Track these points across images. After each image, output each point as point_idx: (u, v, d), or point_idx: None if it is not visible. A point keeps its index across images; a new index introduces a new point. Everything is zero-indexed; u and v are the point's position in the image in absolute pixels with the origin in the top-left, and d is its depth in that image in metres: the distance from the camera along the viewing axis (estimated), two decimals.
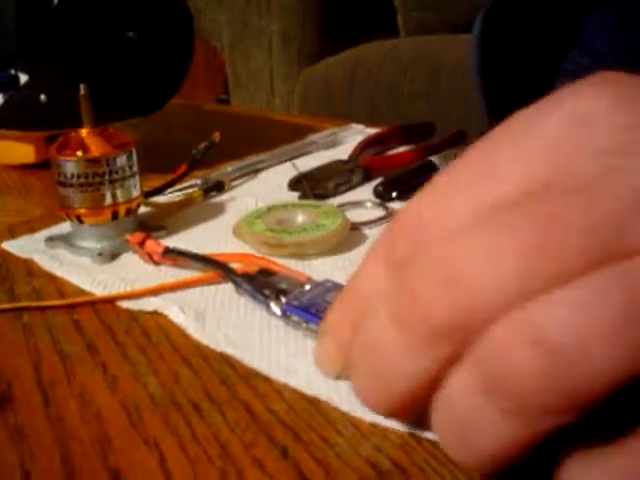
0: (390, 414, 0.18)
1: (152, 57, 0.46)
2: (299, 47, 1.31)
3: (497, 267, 0.14)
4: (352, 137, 0.54)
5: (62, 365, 0.24)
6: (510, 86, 0.55)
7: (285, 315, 0.25)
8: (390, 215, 0.37)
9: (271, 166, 0.48)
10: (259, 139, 0.57)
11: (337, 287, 0.26)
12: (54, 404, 0.22)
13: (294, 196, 0.40)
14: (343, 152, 0.48)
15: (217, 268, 0.29)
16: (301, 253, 0.32)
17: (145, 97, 0.47)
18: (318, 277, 0.28)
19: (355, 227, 0.35)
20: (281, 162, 0.49)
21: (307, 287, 0.26)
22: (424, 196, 0.18)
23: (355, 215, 0.37)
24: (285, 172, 0.45)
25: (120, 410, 0.21)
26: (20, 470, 0.19)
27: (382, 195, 0.39)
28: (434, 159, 0.43)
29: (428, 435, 0.19)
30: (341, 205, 0.38)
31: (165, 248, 0.31)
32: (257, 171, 0.47)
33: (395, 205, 0.38)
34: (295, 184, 0.40)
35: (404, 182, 0.40)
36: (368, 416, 0.20)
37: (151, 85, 0.47)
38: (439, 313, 0.14)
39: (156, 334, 0.26)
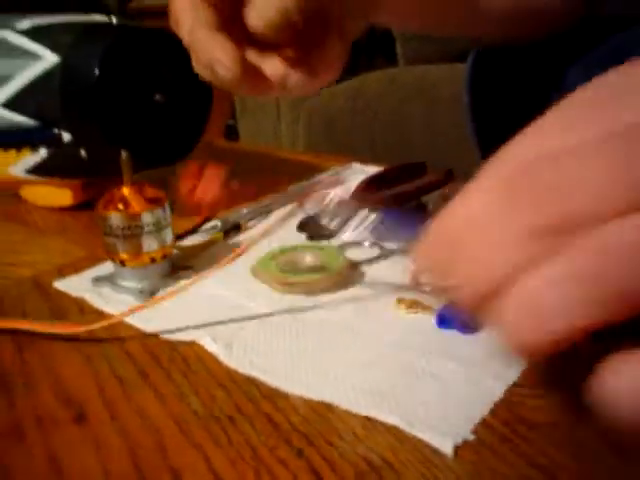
0: None
1: (176, 114, 0.52)
2: None
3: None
4: (354, 176, 0.60)
5: (120, 388, 0.30)
6: (501, 123, 0.60)
7: None
8: (385, 254, 0.43)
9: (282, 205, 0.54)
10: (269, 178, 0.63)
11: None
12: (119, 419, 0.28)
13: (302, 237, 0.47)
14: (346, 190, 0.54)
15: None
16: (309, 291, 0.38)
17: (172, 148, 0.53)
18: (323, 312, 0.34)
19: (354, 265, 0.41)
20: (291, 201, 0.55)
21: None
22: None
23: (355, 254, 0.43)
24: (294, 212, 0.51)
25: (171, 423, 0.27)
26: (101, 471, 0.25)
27: (379, 235, 0.45)
28: (425, 200, 0.50)
29: (410, 436, 0.26)
30: (343, 245, 0.44)
31: None
32: (269, 211, 0.53)
33: (390, 245, 0.45)
34: (302, 226, 0.47)
35: (402, 222, 0.47)
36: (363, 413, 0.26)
37: (176, 138, 0.53)
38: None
39: (194, 362, 0.32)
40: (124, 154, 0.39)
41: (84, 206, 0.55)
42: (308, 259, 0.40)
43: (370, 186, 0.54)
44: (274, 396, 0.29)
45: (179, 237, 0.45)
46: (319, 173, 0.62)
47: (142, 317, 0.36)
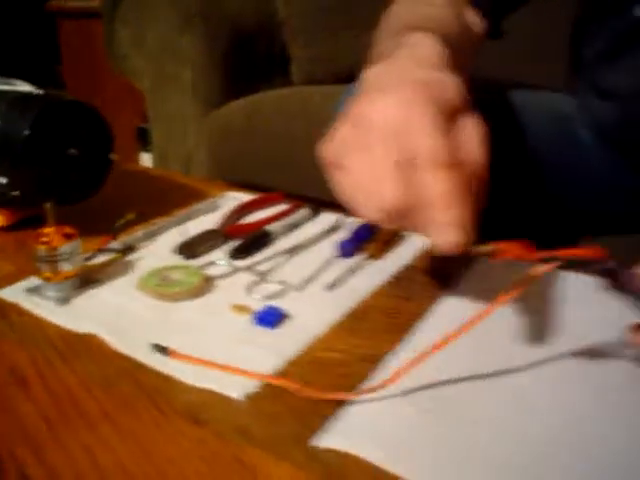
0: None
1: (85, 164, 0.70)
2: (206, 92, 1.55)
3: None
4: (229, 203, 0.79)
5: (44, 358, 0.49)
6: None
7: None
8: (235, 270, 0.62)
9: (170, 228, 0.73)
10: (165, 201, 0.81)
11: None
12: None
13: (178, 257, 0.65)
14: (217, 217, 0.73)
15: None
16: (177, 299, 0.57)
17: (82, 189, 0.71)
18: (185, 313, 0.53)
19: (210, 279, 0.61)
20: (177, 225, 0.74)
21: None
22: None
23: (212, 270, 0.63)
24: (177, 236, 0.70)
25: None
26: None
27: (232, 256, 0.65)
28: (269, 228, 0.69)
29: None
30: (205, 264, 0.63)
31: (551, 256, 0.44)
32: (158, 234, 0.71)
33: (241, 263, 0.64)
34: (179, 249, 0.65)
35: (247, 246, 0.66)
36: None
37: (87, 179, 0.71)
38: None
39: (95, 346, 0.51)
40: (47, 205, 0.57)
41: (14, 227, 0.73)
42: (175, 276, 0.59)
43: (233, 215, 0.74)
44: (141, 367, 0.48)
45: (87, 258, 0.63)
46: (202, 199, 0.80)
47: (62, 317, 0.54)
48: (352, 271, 0.62)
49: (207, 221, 0.74)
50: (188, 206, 0.78)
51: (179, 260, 0.64)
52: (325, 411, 0.42)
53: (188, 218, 0.75)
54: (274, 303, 0.56)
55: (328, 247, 0.67)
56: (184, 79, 1.55)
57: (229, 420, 0.42)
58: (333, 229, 0.71)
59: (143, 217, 0.74)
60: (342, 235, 0.68)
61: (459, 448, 0.39)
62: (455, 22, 0.69)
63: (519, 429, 0.41)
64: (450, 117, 0.46)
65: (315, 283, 0.60)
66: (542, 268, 0.42)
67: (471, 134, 0.47)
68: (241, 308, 0.55)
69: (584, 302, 0.55)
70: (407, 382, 0.44)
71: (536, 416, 0.42)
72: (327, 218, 0.74)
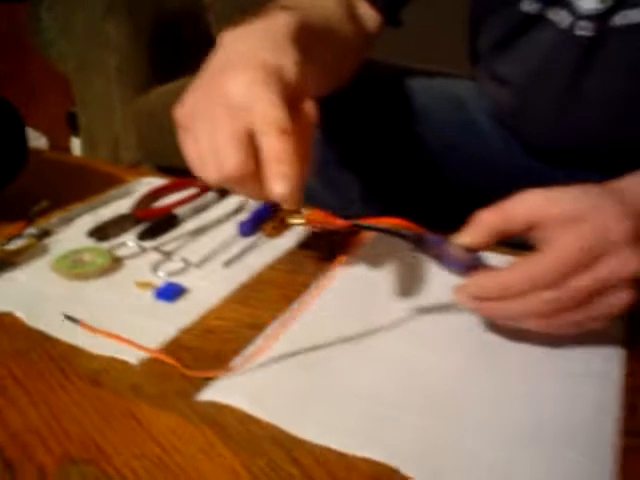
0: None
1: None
2: (132, 77, 1.59)
3: None
4: (143, 188, 0.85)
5: None
6: None
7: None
8: (144, 251, 0.68)
9: (85, 213, 0.78)
10: (82, 188, 0.86)
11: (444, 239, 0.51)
12: None
13: (91, 240, 0.71)
14: (130, 202, 0.78)
15: (401, 236, 0.51)
16: (87, 279, 0.63)
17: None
18: (95, 293, 0.59)
19: (119, 259, 0.67)
20: (91, 210, 0.79)
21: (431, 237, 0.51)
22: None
23: (122, 251, 0.68)
24: (91, 220, 0.75)
25: None
26: None
27: (141, 238, 0.71)
28: (176, 211, 0.75)
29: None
30: (116, 245, 0.69)
31: (353, 224, 0.52)
32: (73, 219, 0.77)
33: (149, 244, 0.70)
34: (92, 232, 0.71)
35: (155, 229, 0.72)
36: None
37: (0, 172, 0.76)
38: None
39: (11, 323, 0.56)
40: None
41: None
42: (86, 257, 0.65)
43: (145, 200, 0.79)
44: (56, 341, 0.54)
45: (3, 244, 0.68)
46: (118, 185, 0.85)
47: None
48: (249, 249, 0.68)
49: (121, 206, 0.79)
50: (104, 192, 0.83)
51: (92, 243, 0.70)
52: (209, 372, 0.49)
53: (103, 203, 0.80)
54: (175, 279, 0.62)
55: (230, 228, 0.73)
56: (110, 64, 1.59)
57: (125, 381, 0.49)
58: (237, 211, 0.77)
59: (59, 203, 0.79)
60: (244, 216, 0.75)
61: (322, 397, 0.46)
62: (338, 11, 0.75)
63: (372, 382, 0.48)
64: (287, 97, 0.52)
65: (214, 261, 0.66)
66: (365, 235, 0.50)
67: (305, 118, 0.54)
68: (145, 284, 0.61)
69: (420, 267, 0.64)
70: (284, 344, 0.51)
71: (387, 369, 0.50)
72: (232, 201, 0.80)
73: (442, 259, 0.51)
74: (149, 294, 0.60)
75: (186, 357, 0.51)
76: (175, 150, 1.37)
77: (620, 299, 0.48)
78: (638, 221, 0.48)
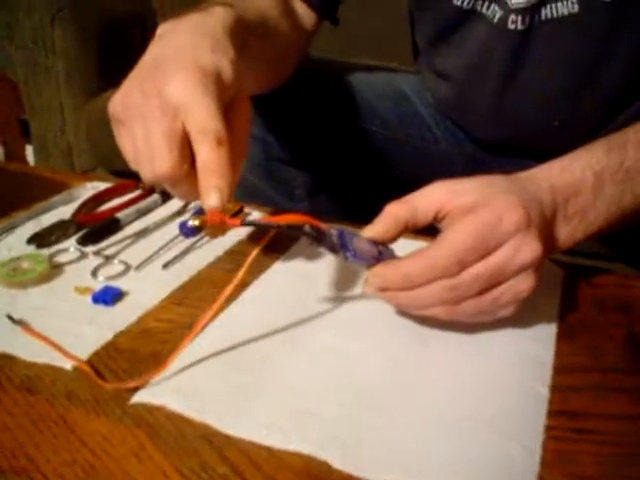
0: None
1: None
2: (81, 83, 1.58)
3: None
4: (88, 193, 0.84)
5: None
6: None
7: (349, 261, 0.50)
8: (84, 256, 0.68)
9: (26, 221, 0.77)
10: (26, 195, 0.86)
11: (353, 233, 0.52)
12: None
13: (31, 247, 0.70)
14: (72, 208, 0.78)
15: (293, 230, 0.51)
16: (26, 286, 0.62)
17: None
18: (33, 300, 0.59)
19: (60, 265, 0.66)
20: (33, 218, 0.78)
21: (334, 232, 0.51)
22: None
23: (63, 257, 0.68)
24: (34, 227, 0.74)
25: None
26: None
27: (81, 242, 0.70)
28: (118, 215, 0.75)
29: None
30: (56, 252, 0.69)
31: (243, 222, 0.52)
32: (16, 227, 0.76)
33: (90, 249, 0.69)
34: (31, 239, 0.70)
35: (96, 233, 0.72)
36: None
37: None
38: None
39: None
40: None
41: None
42: (25, 264, 0.64)
43: (88, 205, 0.79)
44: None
45: None
46: (62, 191, 0.85)
47: None
48: (190, 250, 0.68)
49: (64, 212, 0.79)
50: (47, 199, 0.82)
51: (32, 250, 0.69)
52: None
53: (46, 210, 0.80)
54: (114, 283, 0.62)
55: (173, 230, 0.73)
56: (58, 70, 1.57)
57: (59, 388, 0.48)
58: (180, 213, 0.77)
59: (2, 212, 0.78)
60: (187, 217, 0.75)
61: (252, 393, 0.47)
62: (274, 8, 0.75)
63: (303, 376, 0.49)
64: (223, 99, 0.53)
65: (154, 263, 0.66)
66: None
67: (240, 115, 0.55)
68: (84, 290, 0.61)
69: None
70: (214, 341, 0.52)
71: (317, 362, 0.50)
72: (176, 203, 0.80)
73: (344, 252, 0.51)
74: (88, 299, 0.59)
75: (121, 360, 0.51)
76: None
77: (523, 284, 0.49)
78: (533, 210, 0.50)
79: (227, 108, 0.53)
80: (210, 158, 0.49)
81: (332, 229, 0.53)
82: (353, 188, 1.02)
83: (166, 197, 0.80)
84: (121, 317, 0.56)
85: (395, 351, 0.52)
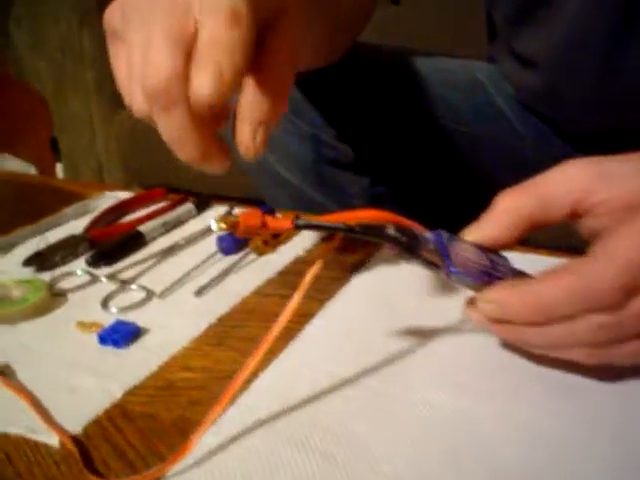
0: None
1: None
2: (112, 92, 1.44)
3: None
4: (105, 204, 0.69)
5: None
6: None
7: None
8: (94, 281, 0.52)
9: (30, 237, 0.62)
10: (31, 209, 0.71)
11: (451, 237, 0.37)
12: None
13: (31, 270, 0.55)
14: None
15: (373, 235, 0.35)
16: (14, 320, 0.47)
17: None
18: (24, 338, 0.43)
19: (61, 293, 0.50)
20: (39, 234, 0.63)
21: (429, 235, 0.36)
22: None
23: (68, 282, 0.52)
24: (37, 245, 0.59)
25: None
26: None
27: (92, 264, 0.54)
28: (141, 228, 0.59)
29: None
30: (60, 276, 0.53)
31: (295, 223, 0.33)
32: (16, 245, 0.61)
33: (102, 271, 0.54)
34: (28, 260, 0.55)
35: (112, 251, 0.56)
36: None
37: None
38: None
39: None
40: None
41: None
42: (16, 292, 0.49)
43: (105, 217, 0.63)
44: None
45: None
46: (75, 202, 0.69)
47: None
48: (231, 271, 0.52)
49: (76, 226, 0.63)
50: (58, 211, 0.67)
51: (30, 273, 0.54)
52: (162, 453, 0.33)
53: (54, 224, 0.64)
54: (130, 316, 0.46)
55: (209, 246, 0.57)
56: (86, 79, 1.44)
57: (37, 476, 0.32)
58: None
59: (6, 227, 0.63)
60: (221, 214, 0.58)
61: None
62: None
63: (395, 448, 0.32)
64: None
65: (184, 288, 0.50)
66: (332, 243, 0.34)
67: (282, 44, 0.39)
68: (89, 325, 0.45)
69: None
70: (269, 401, 0.35)
71: (410, 428, 0.33)
72: (213, 213, 0.65)
73: (446, 266, 0.35)
74: (94, 338, 0.44)
75: (131, 432, 0.35)
76: (164, 168, 1.20)
77: None
78: None
79: (264, 29, 0.38)
80: (216, 32, 0.34)
81: (426, 232, 0.37)
82: (422, 196, 0.86)
83: (202, 206, 0.64)
84: (136, 365, 0.41)
85: (532, 414, 0.35)
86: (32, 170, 2.30)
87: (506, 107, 0.84)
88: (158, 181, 1.34)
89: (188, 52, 0.34)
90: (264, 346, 0.33)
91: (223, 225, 0.32)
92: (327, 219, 0.34)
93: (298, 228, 0.33)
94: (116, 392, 0.38)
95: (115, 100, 1.45)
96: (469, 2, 0.96)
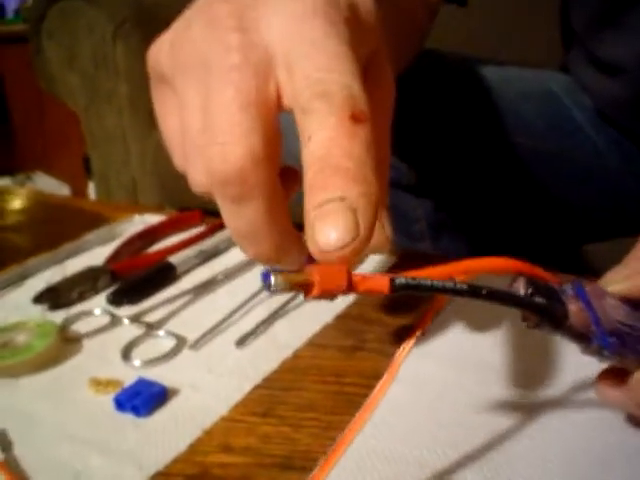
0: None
1: None
2: (147, 107, 1.36)
3: None
4: (133, 229, 0.60)
5: None
6: None
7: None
8: (115, 323, 0.43)
9: (45, 268, 0.54)
10: (52, 234, 0.62)
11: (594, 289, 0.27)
12: None
13: (42, 308, 0.46)
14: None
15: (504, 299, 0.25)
16: (16, 374, 0.38)
17: None
18: (25, 398, 0.34)
19: (75, 339, 0.41)
20: (56, 264, 0.54)
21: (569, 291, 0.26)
22: None
23: (83, 325, 0.43)
24: (52, 277, 0.51)
25: None
26: None
27: (114, 302, 0.46)
28: (172, 259, 0.50)
29: None
30: (76, 315, 0.44)
31: (393, 284, 0.23)
32: (29, 276, 0.52)
33: (125, 312, 0.45)
34: (39, 297, 0.46)
35: (137, 287, 0.47)
36: None
37: None
38: None
39: None
40: None
41: None
42: (21, 337, 0.40)
43: (131, 245, 0.55)
44: None
45: None
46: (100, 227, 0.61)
47: None
48: (280, 314, 0.43)
49: (100, 255, 0.55)
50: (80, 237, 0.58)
51: (39, 313, 0.45)
52: None
53: (74, 252, 0.56)
54: (155, 371, 0.37)
55: (252, 281, 0.48)
56: (120, 94, 1.37)
57: None
58: None
59: (18, 255, 0.54)
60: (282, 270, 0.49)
61: None
62: None
63: None
64: (361, 51, 0.27)
65: (222, 336, 0.41)
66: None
67: (382, 90, 0.32)
68: (104, 384, 0.36)
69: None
70: None
71: None
72: None
73: (598, 337, 0.25)
74: (109, 401, 0.34)
75: None
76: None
77: None
78: None
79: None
80: (335, 144, 0.23)
81: (565, 284, 0.27)
82: (491, 221, 0.76)
83: None
84: (160, 442, 0.31)
85: None
86: (66, 189, 2.25)
87: (585, 121, 0.75)
88: (196, 203, 1.25)
89: (268, 127, 0.25)
90: (356, 424, 0.23)
91: (285, 284, 0.22)
92: (434, 274, 0.24)
93: (397, 291, 0.23)
94: (135, 476, 0.29)
95: (150, 116, 1.37)
96: (542, 6, 0.86)
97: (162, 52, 0.29)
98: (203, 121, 0.26)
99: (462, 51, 0.81)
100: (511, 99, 0.74)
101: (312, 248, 0.22)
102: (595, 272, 0.30)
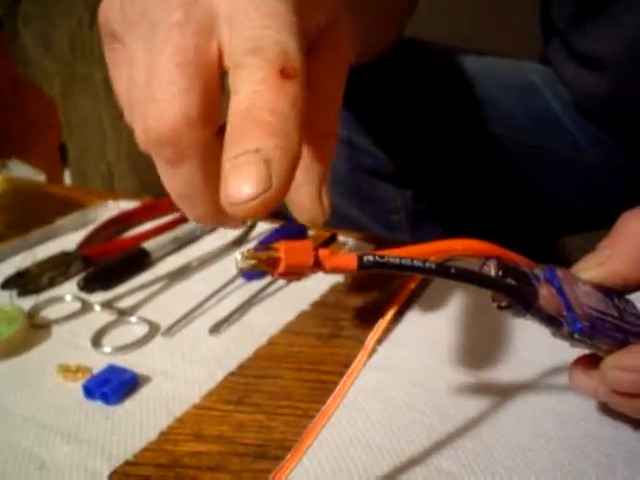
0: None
1: None
2: None
3: None
4: (107, 215, 0.59)
5: None
6: None
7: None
8: (86, 309, 0.42)
9: (14, 254, 0.52)
10: (27, 220, 0.61)
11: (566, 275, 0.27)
12: None
13: (10, 294, 0.45)
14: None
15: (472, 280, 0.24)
16: None
17: None
18: None
19: (44, 325, 0.40)
20: (25, 249, 0.53)
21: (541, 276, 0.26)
22: None
23: (53, 311, 0.42)
24: (22, 263, 0.49)
25: None
26: None
27: (85, 288, 0.44)
28: (146, 245, 0.49)
29: None
30: (46, 301, 0.43)
31: (361, 262, 0.23)
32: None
33: (97, 297, 0.44)
34: (8, 282, 0.45)
35: (110, 272, 0.46)
36: None
37: None
38: None
39: None
40: None
41: None
42: None
43: (104, 231, 0.53)
44: None
45: None
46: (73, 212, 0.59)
47: None
48: (255, 301, 0.42)
49: (72, 241, 0.53)
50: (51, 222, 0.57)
51: (9, 298, 0.44)
52: None
53: (45, 238, 0.55)
54: (127, 359, 0.36)
55: (228, 268, 0.47)
56: (96, 80, 1.35)
57: None
58: (239, 242, 0.51)
59: None
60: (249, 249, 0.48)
61: None
62: None
63: None
64: (307, 17, 0.27)
65: (196, 323, 0.40)
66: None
67: (333, 63, 0.30)
68: (73, 371, 0.35)
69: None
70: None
71: None
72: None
73: (569, 322, 0.24)
74: (78, 388, 0.33)
75: None
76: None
77: None
78: None
79: (311, 47, 0.29)
80: (260, 97, 0.22)
81: (536, 268, 0.26)
82: (470, 212, 0.75)
83: None
84: (130, 431, 0.31)
85: None
86: (41, 177, 2.22)
87: (564, 114, 0.74)
88: None
89: (206, 87, 0.24)
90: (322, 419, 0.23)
91: (253, 262, 0.21)
92: (404, 253, 0.23)
93: (365, 268, 0.22)
94: (100, 470, 0.28)
95: None
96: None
97: (113, 10, 0.28)
98: (147, 73, 0.25)
99: (443, 40, 0.80)
100: (491, 90, 0.74)
101: (224, 201, 0.21)
102: (570, 263, 0.29)
